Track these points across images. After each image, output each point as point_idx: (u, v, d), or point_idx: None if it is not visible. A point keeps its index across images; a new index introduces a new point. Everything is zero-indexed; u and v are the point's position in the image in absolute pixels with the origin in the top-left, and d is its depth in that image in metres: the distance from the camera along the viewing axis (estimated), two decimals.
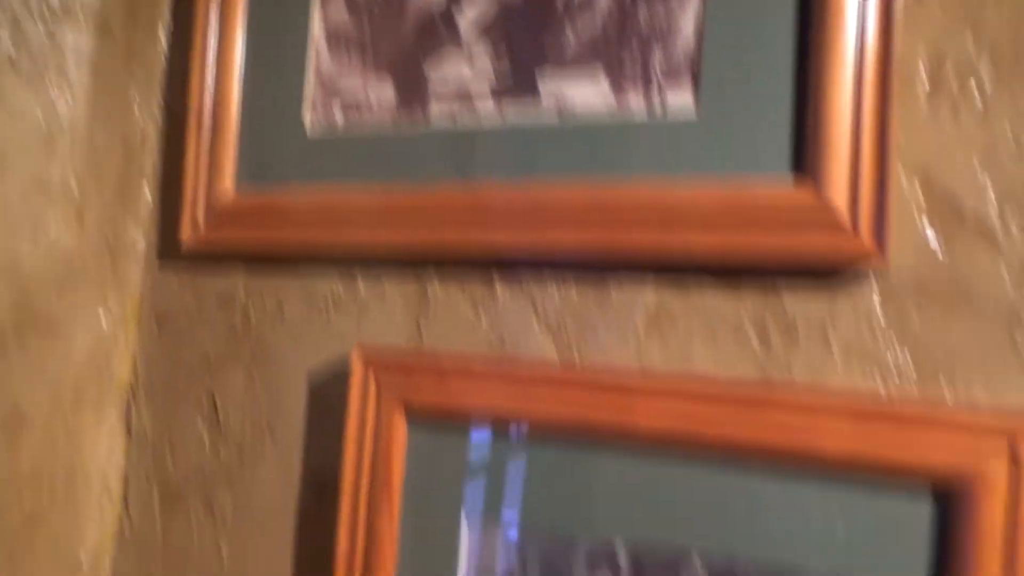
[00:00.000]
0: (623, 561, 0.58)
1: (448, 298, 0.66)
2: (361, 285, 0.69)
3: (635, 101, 0.59)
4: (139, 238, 0.79)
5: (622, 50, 0.60)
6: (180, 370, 0.77)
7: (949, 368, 0.51)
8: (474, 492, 0.62)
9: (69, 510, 0.75)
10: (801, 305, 0.55)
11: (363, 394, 0.64)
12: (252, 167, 0.73)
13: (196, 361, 0.76)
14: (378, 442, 0.64)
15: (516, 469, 0.61)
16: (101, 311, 0.76)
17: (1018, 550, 0.46)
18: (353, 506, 0.64)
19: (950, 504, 0.48)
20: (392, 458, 0.63)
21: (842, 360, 0.54)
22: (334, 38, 0.71)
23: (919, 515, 0.49)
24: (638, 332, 0.59)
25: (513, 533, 0.61)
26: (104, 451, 0.78)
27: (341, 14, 0.71)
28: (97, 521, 0.78)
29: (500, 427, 0.61)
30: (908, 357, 0.52)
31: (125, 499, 0.79)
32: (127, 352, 0.79)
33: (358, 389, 0.64)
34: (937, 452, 0.48)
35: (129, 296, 0.79)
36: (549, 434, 0.59)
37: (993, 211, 0.50)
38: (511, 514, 0.61)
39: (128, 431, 0.79)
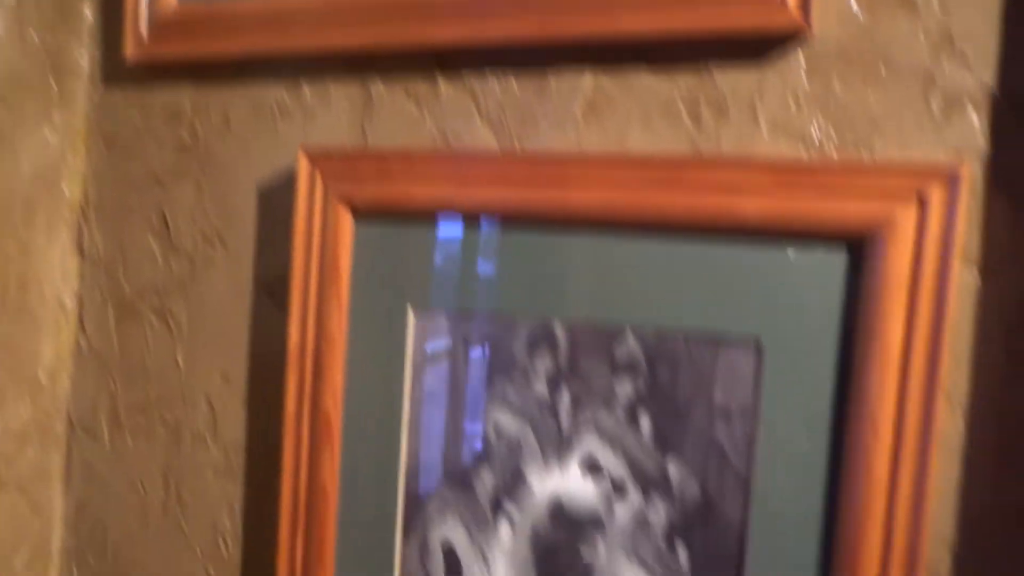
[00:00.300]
0: (561, 339, 0.61)
1: (392, 98, 0.67)
2: (306, 91, 0.70)
3: None
4: (82, 57, 0.79)
5: None
6: (130, 188, 0.77)
7: (868, 133, 0.53)
8: (420, 280, 0.64)
9: (25, 326, 0.76)
10: (731, 81, 0.57)
11: (309, 192, 0.65)
12: None
13: (145, 178, 0.77)
14: (325, 238, 0.65)
15: (459, 256, 0.63)
16: (47, 129, 0.76)
17: (921, 291, 0.49)
18: (303, 302, 0.66)
19: (863, 253, 0.51)
20: (339, 252, 0.65)
21: (769, 132, 0.56)
22: None
23: (834, 268, 0.52)
24: (576, 119, 0.61)
25: (458, 317, 0.63)
26: (57, 270, 0.79)
27: None
28: (54, 340, 0.79)
29: (443, 217, 0.63)
30: (830, 126, 0.54)
31: (80, 317, 0.80)
32: (76, 172, 0.79)
33: (304, 187, 0.65)
34: (852, 205, 0.51)
35: (75, 116, 0.79)
36: (490, 220, 0.61)
37: None
38: (455, 299, 0.63)
39: (80, 252, 0.80)
